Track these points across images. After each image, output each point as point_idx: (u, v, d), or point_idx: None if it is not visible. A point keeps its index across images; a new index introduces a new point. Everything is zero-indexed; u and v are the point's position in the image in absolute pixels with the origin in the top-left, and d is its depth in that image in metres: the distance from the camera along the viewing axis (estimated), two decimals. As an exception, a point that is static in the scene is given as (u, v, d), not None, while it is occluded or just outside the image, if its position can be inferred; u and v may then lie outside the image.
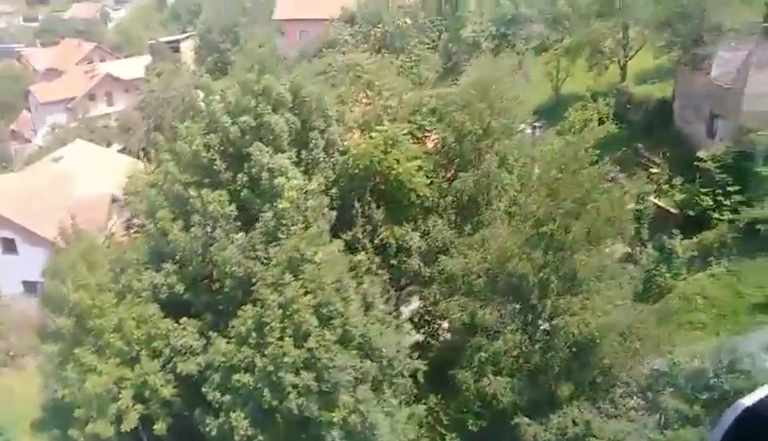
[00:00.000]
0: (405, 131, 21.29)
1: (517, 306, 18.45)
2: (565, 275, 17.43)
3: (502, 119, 21.45)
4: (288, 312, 16.67)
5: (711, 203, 27.36)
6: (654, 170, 34.72)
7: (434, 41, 58.57)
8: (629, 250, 29.96)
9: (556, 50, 45.71)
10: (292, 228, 17.88)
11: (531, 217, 18.51)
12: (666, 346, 20.07)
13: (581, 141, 20.16)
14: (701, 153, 28.72)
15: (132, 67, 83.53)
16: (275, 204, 18.37)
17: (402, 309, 23.02)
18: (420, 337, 23.16)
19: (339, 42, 59.77)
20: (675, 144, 35.48)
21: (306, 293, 16.74)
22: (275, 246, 17.93)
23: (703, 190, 27.60)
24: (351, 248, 20.44)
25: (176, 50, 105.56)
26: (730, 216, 26.97)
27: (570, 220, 17.51)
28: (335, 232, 20.46)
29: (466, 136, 21.17)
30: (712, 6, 32.34)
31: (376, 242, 21.21)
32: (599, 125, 43.10)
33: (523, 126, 25.07)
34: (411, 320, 21.79)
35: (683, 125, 35.97)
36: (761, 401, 1.69)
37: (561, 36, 46.18)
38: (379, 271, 20.24)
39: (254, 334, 17.49)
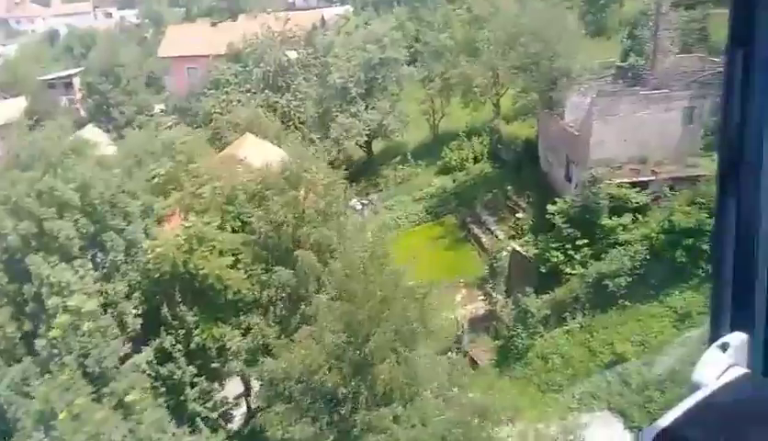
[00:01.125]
0: (217, 224, 19.64)
1: (333, 419, 17.03)
2: (373, 385, 16.16)
3: (321, 203, 20.16)
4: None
5: (562, 257, 27.02)
6: (520, 215, 34.48)
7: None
8: (491, 308, 29.35)
9: (429, 89, 45.31)
10: (66, 358, 15.85)
11: (338, 320, 17.21)
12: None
13: (377, 242, 18.80)
14: (551, 206, 28.42)
15: (8, 110, 77.12)
16: (49, 329, 16.31)
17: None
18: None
19: (222, 82, 57.57)
20: (541, 187, 35.36)
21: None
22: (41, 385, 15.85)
23: (553, 245, 27.22)
24: (160, 358, 18.53)
25: (69, 85, 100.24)
26: (581, 270, 26.70)
27: (369, 328, 16.29)
28: (145, 340, 18.48)
29: (281, 226, 19.73)
30: (561, 52, 32.44)
31: (192, 346, 19.39)
32: (474, 164, 43.60)
33: (354, 201, 23.94)
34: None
35: (547, 168, 35.97)
36: (675, 421, 0.72)
37: (433, 76, 45.82)
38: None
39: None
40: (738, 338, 1.02)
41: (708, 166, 28.83)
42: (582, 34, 52.80)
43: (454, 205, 39.49)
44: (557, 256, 27.00)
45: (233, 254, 19.99)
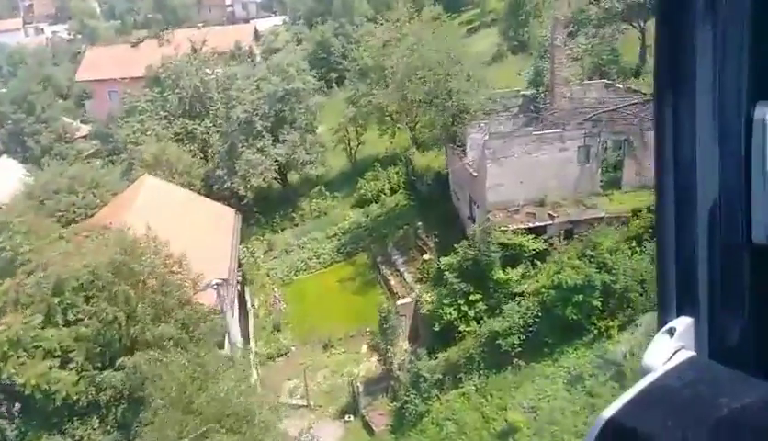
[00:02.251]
0: (40, 321, 17.53)
1: None
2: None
3: (158, 295, 18.22)
4: None
5: (455, 314, 25.55)
6: (426, 257, 32.96)
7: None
8: (386, 367, 27.76)
9: (342, 118, 43.60)
10: None
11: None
12: None
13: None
14: (443, 259, 26.95)
15: None
16: None
17: None
18: None
19: (138, 109, 54.61)
20: (450, 225, 33.89)
21: None
22: None
23: (446, 301, 25.72)
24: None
25: None
26: (476, 327, 25.27)
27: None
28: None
29: (110, 323, 17.73)
30: (458, 86, 31.00)
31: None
32: (391, 195, 42.00)
33: (210, 278, 22.04)
34: None
35: (457, 204, 34.55)
36: (621, 408, 0.90)
37: (358, 96, 44.06)
38: None
39: None
40: (683, 323, 1.04)
41: (607, 207, 27.79)
42: (501, 53, 52.25)
43: (368, 242, 37.81)
44: (449, 313, 25.50)
45: (65, 352, 17.88)
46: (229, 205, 40.43)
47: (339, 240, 38.62)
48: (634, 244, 24.89)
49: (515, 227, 26.88)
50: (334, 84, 61.33)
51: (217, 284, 22.88)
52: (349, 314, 32.60)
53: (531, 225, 27.06)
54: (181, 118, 51.49)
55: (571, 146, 27.72)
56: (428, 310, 26.96)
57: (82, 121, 74.74)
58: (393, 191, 41.36)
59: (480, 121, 31.38)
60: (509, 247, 26.06)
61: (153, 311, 18.32)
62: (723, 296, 1.07)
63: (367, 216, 39.35)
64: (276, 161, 39.98)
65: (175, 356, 17.11)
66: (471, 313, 25.43)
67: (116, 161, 56.03)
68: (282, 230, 42.80)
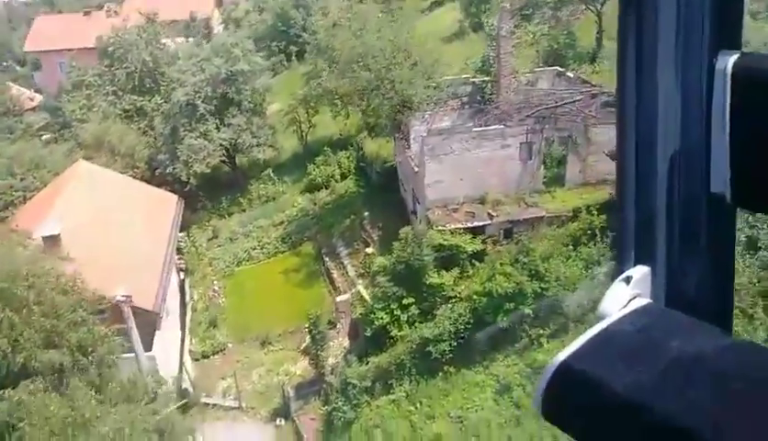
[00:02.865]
0: None
1: None
2: None
3: (49, 319, 16.89)
4: None
5: (387, 318, 24.74)
6: (369, 250, 32.04)
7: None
8: (318, 370, 27.02)
9: (293, 100, 42.00)
10: None
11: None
12: None
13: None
14: (378, 260, 26.04)
15: None
16: None
17: None
18: None
19: (85, 83, 52.12)
20: (396, 217, 32.87)
21: None
22: None
23: (379, 305, 24.89)
24: None
25: None
26: (408, 332, 24.53)
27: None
28: None
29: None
30: (400, 76, 29.63)
31: None
32: (342, 180, 40.78)
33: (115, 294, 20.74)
34: None
35: (404, 195, 33.49)
36: (573, 353, 0.96)
37: (318, 71, 42.33)
38: None
39: None
40: (640, 271, 1.05)
41: (548, 205, 27.00)
42: (463, 31, 50.64)
43: (314, 231, 36.74)
44: (381, 317, 24.69)
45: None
46: (173, 190, 38.99)
47: (285, 229, 37.51)
48: (570, 247, 24.24)
49: (453, 227, 26.00)
50: (294, 58, 59.44)
51: (119, 301, 21.69)
52: (290, 309, 31.67)
53: (470, 225, 26.18)
54: (130, 94, 49.37)
55: (513, 143, 26.72)
56: (360, 314, 26.15)
57: (36, 90, 71.95)
58: (344, 177, 40.14)
59: (423, 113, 30.16)
60: (445, 248, 25.20)
61: (43, 336, 17.15)
62: (681, 245, 1.07)
63: (315, 203, 38.20)
64: (220, 145, 38.39)
65: (49, 398, 15.88)
66: (404, 318, 24.64)
67: (64, 137, 53.96)
68: (230, 215, 41.50)
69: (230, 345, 30.62)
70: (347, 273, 32.25)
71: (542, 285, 22.40)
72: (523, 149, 26.86)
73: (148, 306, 26.95)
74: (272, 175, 41.74)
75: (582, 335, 0.96)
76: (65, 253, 24.15)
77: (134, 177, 40.11)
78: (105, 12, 63.88)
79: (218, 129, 38.70)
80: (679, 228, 1.06)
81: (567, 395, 0.93)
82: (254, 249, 36.48)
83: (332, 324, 29.24)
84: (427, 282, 24.35)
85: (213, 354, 30.27)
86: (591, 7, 37.33)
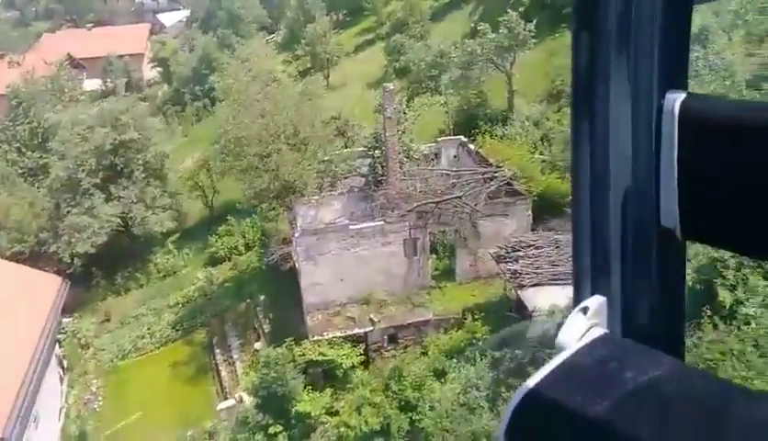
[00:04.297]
0: None
1: None
2: None
3: None
4: None
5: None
6: (258, 345, 29.31)
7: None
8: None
9: (194, 163, 39.34)
10: None
11: None
12: None
13: None
14: (244, 378, 23.41)
15: None
16: None
17: None
18: None
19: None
20: (292, 304, 30.17)
21: None
22: None
23: (241, 435, 22.18)
24: None
25: None
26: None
27: None
28: None
29: None
30: (284, 161, 27.23)
31: None
32: (246, 252, 38.04)
33: None
34: None
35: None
36: (537, 384, 1.04)
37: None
38: None
39: None
40: (596, 301, 1.09)
41: (436, 305, 24.77)
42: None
43: (208, 315, 33.87)
44: (247, 448, 22.03)
45: None
46: (60, 269, 35.68)
47: (179, 312, 34.58)
48: (452, 362, 21.95)
49: (332, 336, 23.57)
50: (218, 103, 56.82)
51: None
52: (173, 415, 28.69)
53: (350, 332, 23.77)
54: (35, 152, 46.06)
55: (396, 239, 24.45)
56: (226, 441, 23.45)
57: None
58: (249, 247, 37.50)
59: (310, 196, 27.76)
60: (320, 364, 22.71)
61: None
62: (634, 276, 1.11)
63: (212, 282, 35.36)
64: (107, 222, 35.30)
65: None
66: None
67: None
68: (127, 292, 38.35)
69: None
70: (235, 371, 29.48)
71: (416, 416, 20.00)
72: (407, 245, 24.60)
73: (-6, 432, 23.77)
74: (171, 247, 38.85)
75: (545, 366, 0.97)
76: None
77: (20, 254, 36.83)
78: (7, 62, 60.22)
79: (107, 201, 35.63)
80: (632, 260, 1.10)
81: (532, 426, 0.95)
82: (143, 337, 33.43)
83: (210, 437, 26.44)
84: (295, 409, 21.77)
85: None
86: (500, 67, 35.50)
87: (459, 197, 23.76)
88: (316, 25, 56.77)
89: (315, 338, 23.45)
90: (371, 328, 23.88)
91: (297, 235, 24.27)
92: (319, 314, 24.58)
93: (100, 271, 38.20)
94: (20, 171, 45.06)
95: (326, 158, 29.95)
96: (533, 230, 24.49)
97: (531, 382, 0.95)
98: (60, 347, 33.00)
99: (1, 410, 24.34)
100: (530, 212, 24.61)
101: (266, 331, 29.90)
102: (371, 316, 24.05)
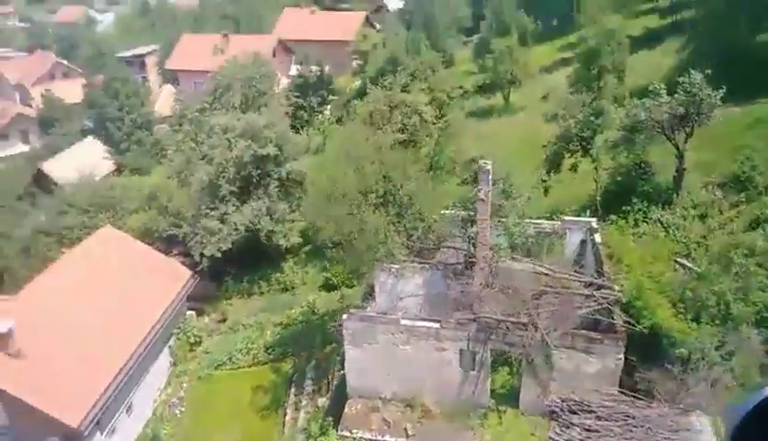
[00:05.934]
0: None
1: None
2: None
3: None
4: None
5: None
6: (321, 401, 28.21)
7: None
8: None
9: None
10: None
11: None
12: None
13: None
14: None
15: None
16: None
17: None
18: None
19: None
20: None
21: None
22: None
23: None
24: None
25: (143, 64, 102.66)
26: None
27: None
28: None
29: None
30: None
31: None
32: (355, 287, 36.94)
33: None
34: None
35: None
36: None
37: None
38: None
39: None
40: None
41: (485, 436, 21.20)
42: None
43: (300, 346, 33.66)
44: None
45: None
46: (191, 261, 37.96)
47: (277, 335, 34.91)
48: None
49: (362, 436, 21.47)
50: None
51: None
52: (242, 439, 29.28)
53: (379, 437, 21.40)
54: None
55: (451, 346, 21.19)
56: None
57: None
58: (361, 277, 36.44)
59: (391, 263, 25.45)
60: (339, 465, 20.86)
61: None
62: None
63: (314, 312, 35.04)
64: (235, 229, 36.68)
65: None
66: None
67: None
68: (249, 296, 39.88)
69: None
70: (297, 420, 28.79)
71: None
72: (464, 356, 21.23)
73: (72, 421, 25.55)
74: (292, 263, 39.36)
75: None
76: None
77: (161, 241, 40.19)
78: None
79: (239, 210, 36.96)
80: None
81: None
82: (241, 351, 34.35)
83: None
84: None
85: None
86: (671, 139, 29.07)
87: (526, 325, 19.64)
88: (503, 40, 52.89)
89: (343, 433, 21.53)
90: (404, 440, 21.21)
91: (345, 317, 22.28)
92: (359, 403, 22.55)
93: (237, 269, 39.90)
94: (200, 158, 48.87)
95: (433, 217, 27.17)
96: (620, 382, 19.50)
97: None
98: (176, 339, 35.27)
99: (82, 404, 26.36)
100: (622, 356, 19.56)
101: (335, 385, 28.69)
102: (407, 426, 21.36)
